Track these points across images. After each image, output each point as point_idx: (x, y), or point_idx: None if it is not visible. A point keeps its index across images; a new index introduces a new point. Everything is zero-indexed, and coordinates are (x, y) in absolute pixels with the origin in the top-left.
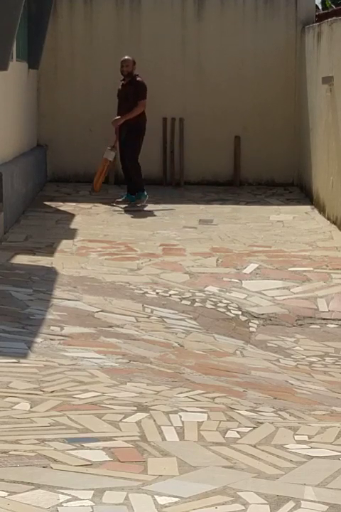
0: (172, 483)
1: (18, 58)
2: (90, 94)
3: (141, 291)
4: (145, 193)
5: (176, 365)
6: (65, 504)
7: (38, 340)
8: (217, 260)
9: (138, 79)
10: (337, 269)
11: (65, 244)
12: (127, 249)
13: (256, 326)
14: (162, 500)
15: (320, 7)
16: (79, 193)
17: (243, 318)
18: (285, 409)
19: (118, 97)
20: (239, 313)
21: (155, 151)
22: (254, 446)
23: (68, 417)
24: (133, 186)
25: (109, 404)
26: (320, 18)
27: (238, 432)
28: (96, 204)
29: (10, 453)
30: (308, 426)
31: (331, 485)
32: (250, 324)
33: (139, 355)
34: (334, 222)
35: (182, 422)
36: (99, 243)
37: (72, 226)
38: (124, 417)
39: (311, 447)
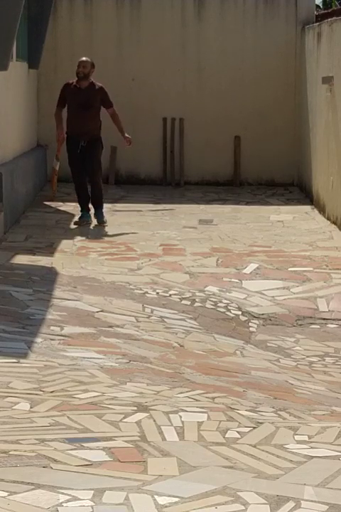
0: (172, 483)
1: (18, 58)
2: None
3: (141, 291)
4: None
5: (176, 365)
6: (64, 504)
7: (38, 340)
8: (217, 260)
9: (99, 84)
10: (337, 269)
11: (64, 244)
12: (127, 249)
13: (256, 326)
14: (162, 500)
15: (321, 7)
16: None
17: (243, 318)
18: (285, 409)
19: (72, 102)
20: (239, 313)
21: (155, 151)
22: (254, 446)
23: (68, 417)
24: (98, 201)
25: (109, 404)
26: (320, 18)
27: (238, 431)
28: None
29: (10, 453)
30: (308, 426)
31: (331, 485)
32: (250, 324)
33: (139, 355)
34: (334, 222)
35: (182, 422)
36: (99, 243)
37: (72, 226)
38: (124, 417)
39: (311, 447)
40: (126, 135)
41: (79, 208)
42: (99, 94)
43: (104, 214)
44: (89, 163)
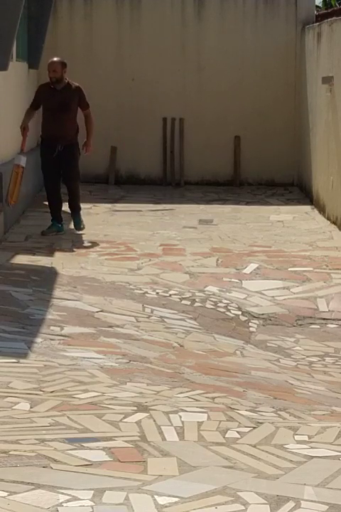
0: (172, 483)
1: (18, 58)
2: (90, 94)
3: (141, 291)
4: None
5: (176, 365)
6: (65, 504)
7: (38, 340)
8: (217, 260)
9: (75, 84)
10: (337, 269)
11: (65, 244)
12: (127, 249)
13: (256, 326)
14: (162, 500)
15: (321, 7)
16: None
17: (243, 318)
18: (285, 409)
19: (47, 104)
20: (239, 313)
21: (155, 151)
22: (254, 446)
23: (68, 417)
24: (76, 209)
25: (109, 404)
26: (320, 18)
27: (238, 431)
28: (96, 204)
29: (10, 453)
30: (308, 426)
31: (331, 485)
32: (250, 324)
33: (139, 355)
34: (334, 222)
35: (182, 422)
36: (99, 243)
37: (72, 226)
38: (124, 417)
39: (311, 447)
40: (90, 143)
41: (51, 217)
42: (76, 95)
43: (82, 217)
44: (66, 171)
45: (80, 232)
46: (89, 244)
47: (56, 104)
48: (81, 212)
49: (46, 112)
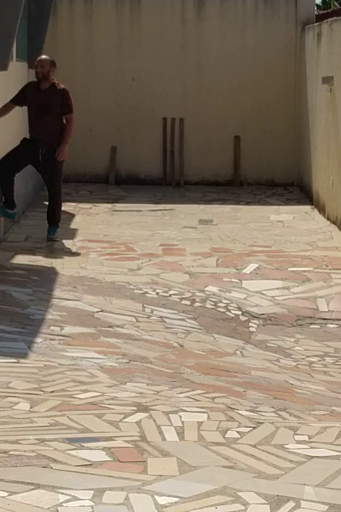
0: (172, 483)
1: (18, 58)
2: (90, 94)
3: (141, 291)
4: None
5: (176, 365)
6: (64, 504)
7: (38, 340)
8: (217, 260)
9: (61, 86)
10: (337, 269)
11: (64, 244)
12: (127, 249)
13: (256, 326)
14: (162, 500)
15: (321, 6)
16: (79, 193)
17: (243, 318)
18: (285, 409)
19: (31, 104)
20: (239, 313)
21: (155, 151)
22: (254, 446)
23: (68, 417)
24: (53, 218)
25: (109, 404)
26: (320, 18)
27: (238, 432)
28: (96, 204)
29: (10, 453)
30: (308, 426)
31: (331, 485)
32: (250, 324)
33: (139, 355)
34: (334, 222)
35: (182, 422)
36: (99, 243)
37: (72, 226)
38: (124, 417)
39: (311, 447)
40: (64, 149)
41: (4, 200)
42: (60, 97)
43: (57, 231)
44: (48, 175)
45: (53, 241)
46: (76, 252)
47: (38, 105)
48: (58, 227)
49: (30, 113)
